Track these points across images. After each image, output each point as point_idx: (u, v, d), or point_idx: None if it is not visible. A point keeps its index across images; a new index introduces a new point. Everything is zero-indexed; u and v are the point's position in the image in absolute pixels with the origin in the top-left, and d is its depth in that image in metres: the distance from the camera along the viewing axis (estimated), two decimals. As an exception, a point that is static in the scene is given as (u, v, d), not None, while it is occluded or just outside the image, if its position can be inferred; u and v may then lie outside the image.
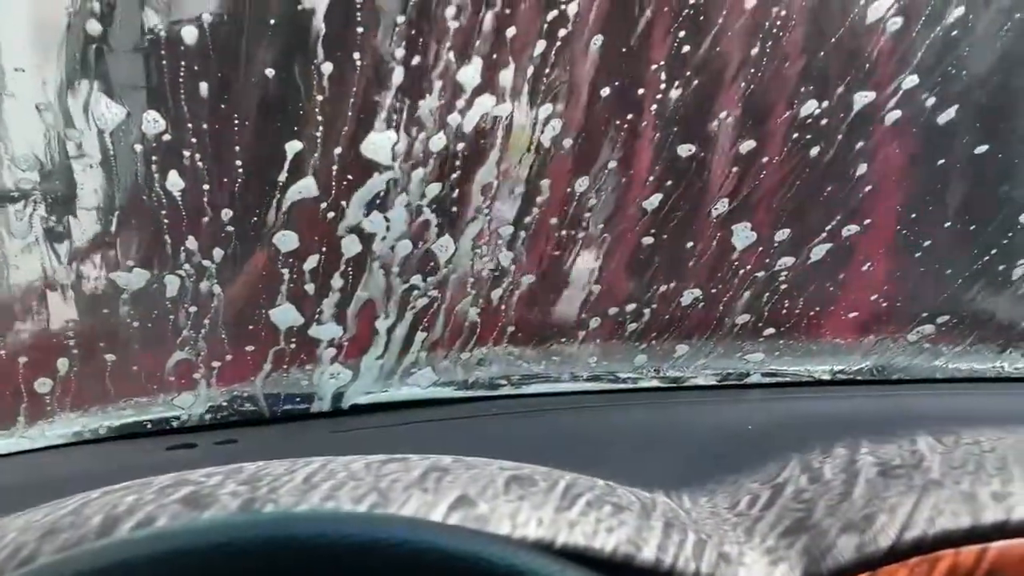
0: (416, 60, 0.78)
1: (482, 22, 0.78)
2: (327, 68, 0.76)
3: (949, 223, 0.95)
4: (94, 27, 0.72)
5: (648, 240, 0.90)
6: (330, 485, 0.58)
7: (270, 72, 0.76)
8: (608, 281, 0.92)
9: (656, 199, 0.88)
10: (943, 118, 0.89)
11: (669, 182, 0.88)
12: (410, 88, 0.79)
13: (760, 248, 0.91)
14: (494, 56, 0.79)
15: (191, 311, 0.83)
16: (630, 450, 0.83)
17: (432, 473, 0.61)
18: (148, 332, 0.83)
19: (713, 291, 0.93)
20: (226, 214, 0.79)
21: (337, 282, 0.84)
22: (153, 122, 0.74)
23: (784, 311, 0.96)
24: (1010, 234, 0.94)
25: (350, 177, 0.80)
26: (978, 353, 1.01)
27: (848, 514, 0.65)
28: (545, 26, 0.79)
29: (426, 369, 0.91)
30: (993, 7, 0.87)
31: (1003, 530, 0.64)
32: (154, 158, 0.76)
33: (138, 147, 0.75)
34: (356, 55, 0.76)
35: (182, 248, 0.80)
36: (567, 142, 0.85)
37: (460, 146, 0.82)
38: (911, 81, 0.86)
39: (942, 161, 0.92)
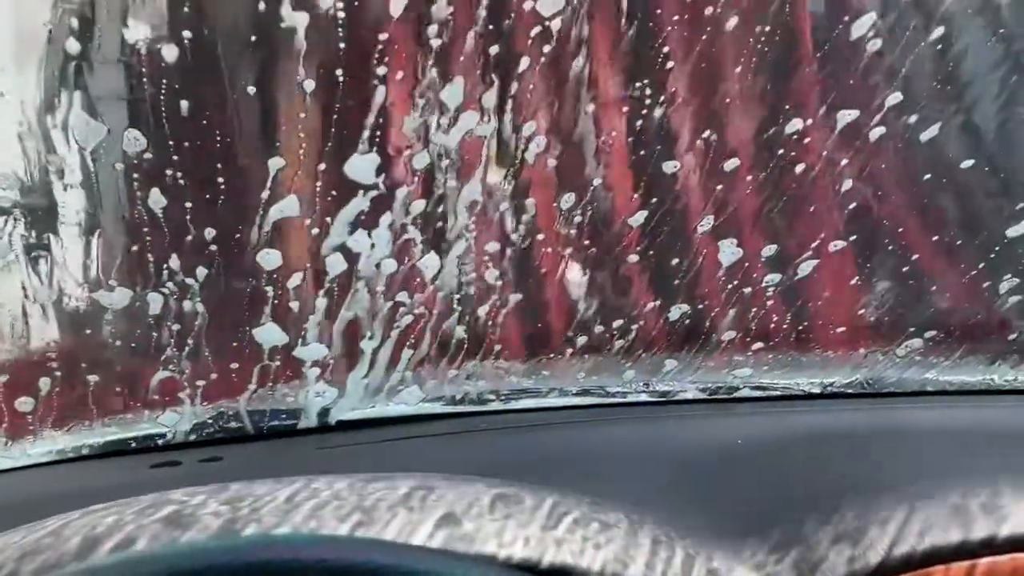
0: (399, 76, 0.78)
1: (466, 39, 0.78)
2: (309, 85, 0.76)
3: (937, 236, 0.96)
4: (73, 46, 0.71)
5: (635, 255, 0.90)
6: (313, 504, 0.58)
7: (252, 90, 0.75)
8: (596, 296, 0.92)
9: (641, 216, 0.88)
10: (927, 134, 0.89)
11: (655, 199, 0.88)
12: (393, 105, 0.79)
13: (747, 264, 0.91)
14: (478, 73, 0.80)
15: (174, 329, 0.82)
16: (619, 464, 0.82)
17: (417, 492, 0.60)
18: (131, 350, 0.82)
19: (701, 306, 0.93)
20: (209, 232, 0.79)
21: (322, 301, 0.84)
22: (134, 140, 0.74)
23: (772, 325, 0.96)
24: (997, 247, 0.95)
25: (334, 194, 0.80)
26: (968, 365, 1.01)
27: (838, 528, 0.65)
28: (529, 43, 0.80)
29: (413, 387, 0.91)
30: (975, 24, 0.88)
31: (992, 545, 0.64)
32: (136, 176, 0.76)
33: (119, 165, 0.75)
34: (338, 72, 0.76)
35: (165, 266, 0.80)
36: (552, 159, 0.85)
37: (444, 163, 0.82)
38: (895, 98, 0.87)
39: (928, 176, 0.93)
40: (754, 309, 0.94)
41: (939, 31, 0.87)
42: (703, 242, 0.90)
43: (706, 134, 0.87)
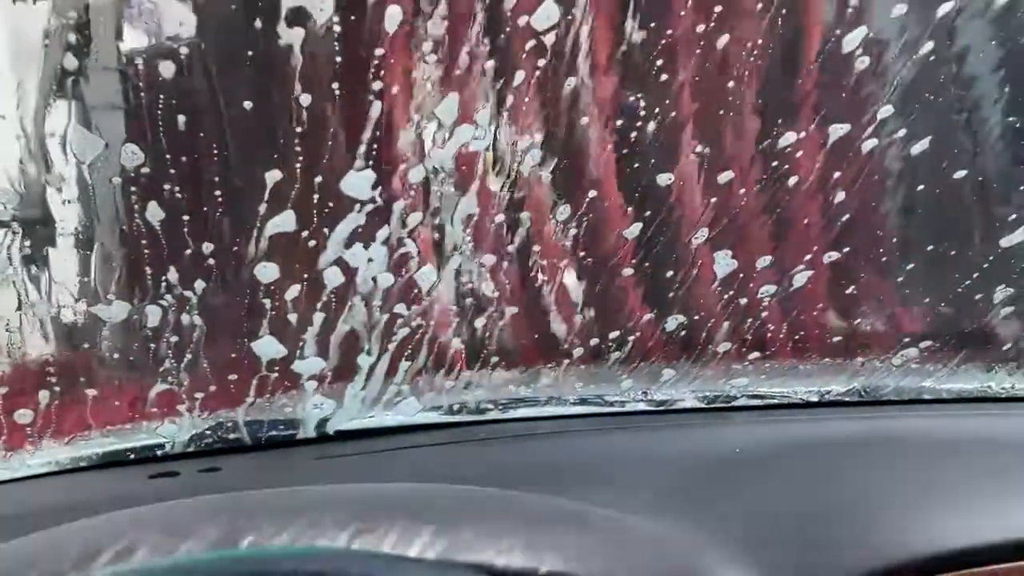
0: (395, 91, 0.78)
1: (461, 54, 0.79)
2: (305, 100, 0.76)
3: (932, 246, 0.96)
4: (71, 61, 0.72)
5: (632, 267, 0.91)
6: (311, 514, 0.58)
7: (248, 104, 0.76)
8: (594, 306, 0.92)
9: (637, 227, 0.89)
10: (920, 146, 0.89)
11: (650, 211, 0.88)
12: (389, 120, 0.79)
13: (742, 274, 0.92)
14: (473, 87, 0.80)
15: (173, 341, 0.82)
16: (617, 473, 0.83)
17: (416, 500, 0.61)
18: (129, 363, 0.82)
19: (698, 316, 0.94)
20: (207, 246, 0.79)
21: (319, 314, 0.84)
22: (132, 154, 0.74)
23: (769, 334, 0.96)
24: (991, 256, 0.95)
25: (330, 207, 0.81)
26: (965, 373, 1.01)
27: (837, 535, 0.65)
28: (524, 56, 0.80)
29: (411, 398, 0.91)
30: (964, 36, 0.89)
31: (995, 551, 0.64)
32: (134, 190, 0.76)
33: (117, 180, 0.75)
34: (335, 87, 0.77)
35: (163, 279, 0.80)
36: (548, 172, 0.85)
37: (440, 177, 0.82)
38: (887, 111, 0.87)
39: (922, 187, 0.93)
40: (751, 319, 0.95)
41: (928, 45, 0.87)
42: (699, 253, 0.91)
43: (701, 147, 0.87)
